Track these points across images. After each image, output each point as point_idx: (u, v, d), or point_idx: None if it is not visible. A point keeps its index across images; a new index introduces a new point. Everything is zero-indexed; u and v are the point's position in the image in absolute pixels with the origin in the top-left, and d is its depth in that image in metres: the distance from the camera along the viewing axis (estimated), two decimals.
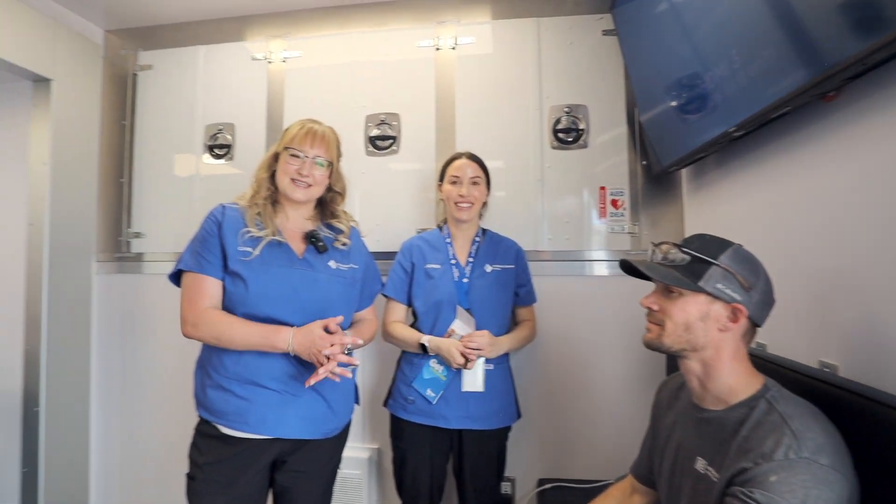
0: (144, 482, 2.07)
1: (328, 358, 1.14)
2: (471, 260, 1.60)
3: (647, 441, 1.08)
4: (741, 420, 0.77)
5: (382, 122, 1.96)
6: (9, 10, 1.74)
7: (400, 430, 1.56)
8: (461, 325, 1.53)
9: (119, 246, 2.13)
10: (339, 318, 1.22)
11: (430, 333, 1.54)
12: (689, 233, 1.75)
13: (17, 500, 1.86)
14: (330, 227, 1.37)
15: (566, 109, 1.87)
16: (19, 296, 1.89)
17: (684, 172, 1.78)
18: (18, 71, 1.82)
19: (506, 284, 1.60)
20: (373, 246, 1.88)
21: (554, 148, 1.87)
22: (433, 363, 1.52)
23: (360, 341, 1.26)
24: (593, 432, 1.80)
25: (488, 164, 1.62)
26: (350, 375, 1.23)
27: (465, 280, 1.57)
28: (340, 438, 1.36)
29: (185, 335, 1.20)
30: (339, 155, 1.37)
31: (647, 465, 1.05)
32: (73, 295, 2.01)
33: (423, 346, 1.51)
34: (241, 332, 1.18)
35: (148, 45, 2.21)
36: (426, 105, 1.94)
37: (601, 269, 1.84)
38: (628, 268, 0.92)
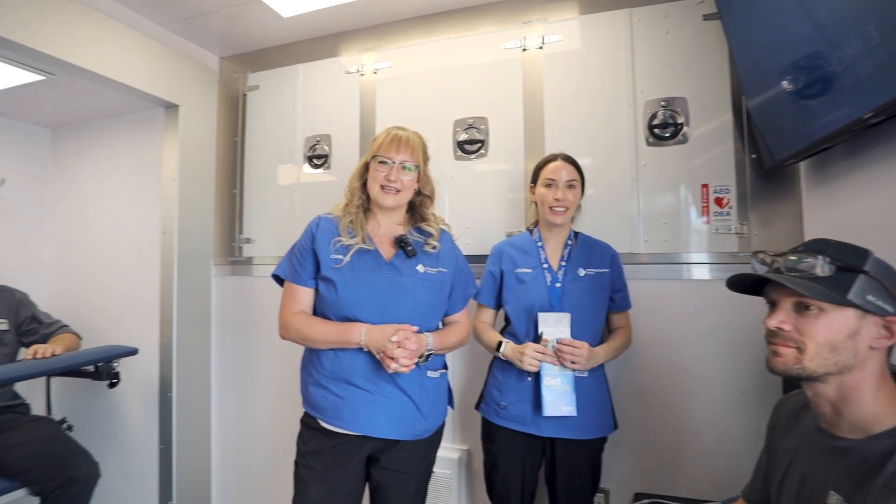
0: (256, 460, 2.27)
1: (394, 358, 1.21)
2: (563, 264, 1.55)
3: (762, 464, 0.98)
4: (888, 452, 0.68)
5: (470, 126, 1.98)
6: (145, 47, 2.00)
7: (491, 435, 1.55)
8: (552, 328, 1.46)
9: (232, 251, 2.36)
10: (414, 328, 1.28)
11: (524, 338, 1.51)
12: (809, 234, 1.58)
13: (157, 470, 2.13)
14: (420, 230, 1.40)
15: (662, 103, 1.76)
16: (155, 295, 2.17)
17: (803, 165, 1.59)
18: (153, 100, 2.09)
19: (600, 289, 1.54)
20: (462, 249, 1.92)
21: (650, 144, 1.77)
22: (548, 380, 1.43)
23: (429, 345, 1.29)
24: (695, 447, 1.68)
25: (578, 162, 1.58)
26: (404, 370, 1.23)
27: (558, 285, 1.52)
28: (433, 441, 1.39)
29: (281, 338, 1.34)
30: (426, 158, 1.39)
31: (761, 490, 0.96)
32: (196, 295, 2.25)
33: (499, 347, 1.51)
34: (319, 331, 1.29)
35: (255, 67, 2.41)
36: (514, 107, 1.93)
37: (702, 273, 1.70)
38: (739, 282, 0.83)
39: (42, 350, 1.84)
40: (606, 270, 1.55)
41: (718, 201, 1.70)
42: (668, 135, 1.75)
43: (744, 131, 1.67)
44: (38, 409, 2.06)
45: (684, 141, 1.73)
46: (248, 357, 2.32)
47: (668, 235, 1.74)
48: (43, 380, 2.05)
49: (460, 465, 1.91)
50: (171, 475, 2.10)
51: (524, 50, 1.93)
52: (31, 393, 2.09)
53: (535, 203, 1.60)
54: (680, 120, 1.73)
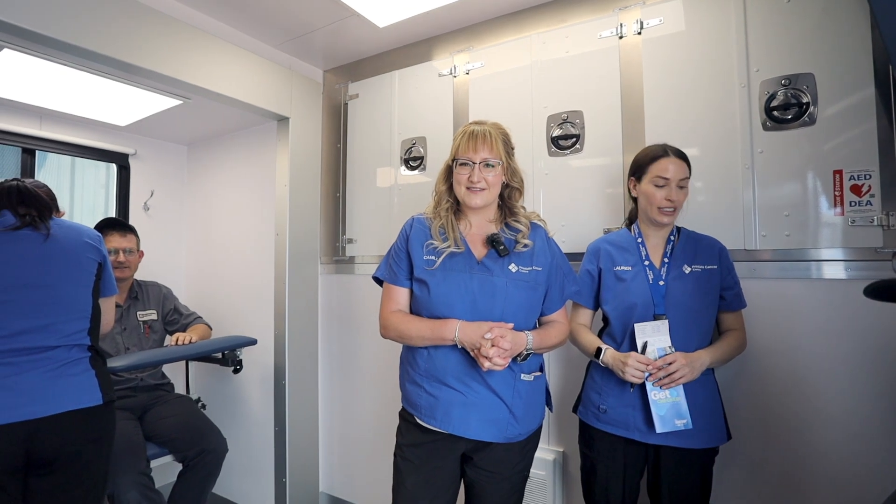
0: (358, 445, 2.41)
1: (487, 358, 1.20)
2: (666, 261, 1.45)
3: None
4: None
5: (565, 121, 1.93)
6: (260, 68, 2.21)
7: (590, 439, 1.50)
8: (652, 337, 1.37)
9: (336, 251, 2.53)
10: (509, 325, 1.26)
11: (623, 339, 1.44)
12: None
13: (272, 449, 2.35)
14: (510, 227, 1.38)
15: (783, 82, 1.57)
16: (270, 291, 2.39)
17: None
18: (268, 114, 2.30)
19: (708, 287, 1.42)
20: (561, 247, 1.88)
21: (767, 129, 1.59)
22: (654, 394, 1.35)
23: (528, 344, 1.26)
24: (819, 471, 1.48)
25: (688, 156, 1.46)
26: (498, 368, 1.21)
27: (661, 283, 1.42)
28: (528, 444, 1.37)
29: (382, 337, 1.39)
30: (509, 150, 1.36)
31: None
32: (305, 292, 2.45)
33: (598, 353, 1.44)
34: (415, 328, 1.31)
35: (355, 77, 2.56)
36: (611, 98, 1.84)
37: (836, 271, 1.49)
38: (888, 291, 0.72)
39: (182, 337, 2.12)
40: (714, 267, 1.43)
41: (856, 189, 1.48)
42: (790, 117, 1.56)
43: (892, 107, 1.44)
44: (179, 388, 2.38)
45: (811, 122, 1.54)
46: (352, 350, 2.47)
47: (790, 229, 1.56)
48: (183, 363, 2.36)
49: (555, 468, 1.87)
50: (285, 454, 2.31)
51: (621, 37, 1.84)
52: (174, 374, 2.41)
53: (635, 198, 1.52)
54: (805, 99, 1.54)
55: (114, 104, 2.23)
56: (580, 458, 1.56)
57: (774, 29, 1.59)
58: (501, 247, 1.31)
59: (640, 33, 1.80)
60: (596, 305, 1.56)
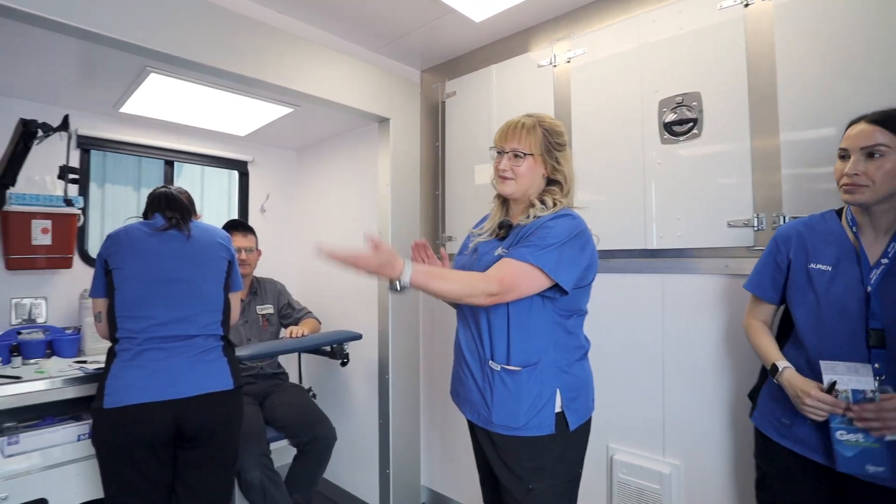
0: (460, 444, 2.42)
1: None
2: (884, 262, 1.13)
3: None
4: None
5: (679, 105, 1.77)
6: (361, 72, 2.29)
7: (768, 453, 1.30)
8: (845, 377, 1.12)
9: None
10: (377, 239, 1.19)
11: (817, 353, 1.18)
12: None
13: (377, 442, 2.44)
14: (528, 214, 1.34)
15: None
16: (374, 288, 2.48)
17: None
18: (369, 116, 2.39)
19: None
20: (675, 242, 1.74)
21: None
22: (841, 434, 1.11)
23: (403, 273, 1.15)
24: None
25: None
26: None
27: (874, 288, 1.12)
28: (522, 450, 1.25)
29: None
30: (549, 144, 1.30)
31: None
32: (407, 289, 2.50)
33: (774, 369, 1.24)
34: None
35: (452, 75, 2.57)
36: (734, 75, 1.65)
37: None
38: None
39: (296, 331, 2.27)
40: None
41: None
42: None
43: None
44: (292, 378, 2.55)
45: None
46: (451, 348, 2.49)
47: None
48: (296, 354, 2.53)
49: (672, 482, 1.73)
50: (388, 446, 2.38)
51: (747, 5, 1.64)
52: (287, 365, 2.59)
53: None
54: None
55: (235, 116, 2.45)
56: (755, 470, 1.38)
57: None
58: (501, 231, 1.34)
59: None
60: (781, 300, 1.33)
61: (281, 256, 3.07)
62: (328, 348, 2.28)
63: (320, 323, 2.50)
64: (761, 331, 1.34)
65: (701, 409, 1.70)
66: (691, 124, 1.75)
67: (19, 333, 2.02)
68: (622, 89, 1.92)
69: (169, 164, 2.75)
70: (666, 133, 1.80)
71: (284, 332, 2.36)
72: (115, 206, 2.78)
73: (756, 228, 1.59)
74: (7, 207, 1.97)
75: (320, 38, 2.24)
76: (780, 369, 1.22)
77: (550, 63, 2.15)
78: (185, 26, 1.72)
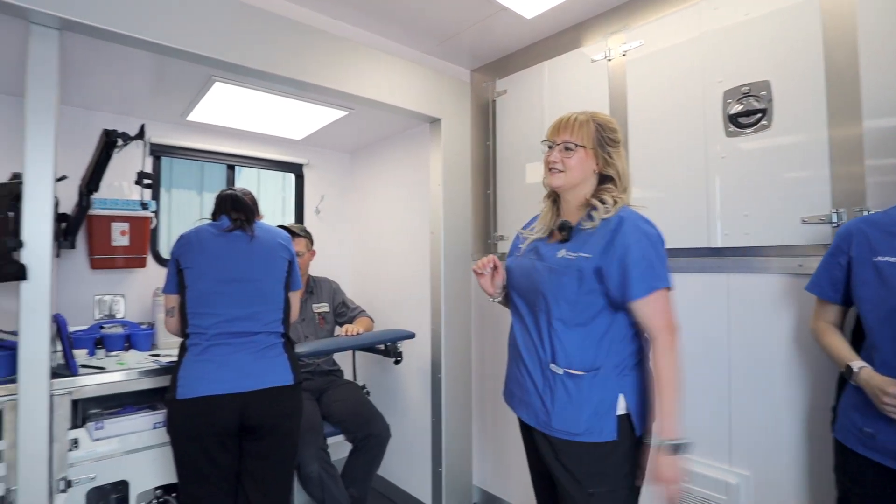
0: (511, 446, 2.41)
1: None
2: None
3: None
4: None
5: (746, 95, 1.68)
6: (413, 74, 2.32)
7: (850, 467, 1.22)
8: None
9: (488, 248, 2.55)
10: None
11: (892, 353, 1.12)
12: None
13: (429, 440, 2.46)
14: (591, 213, 1.28)
15: None
16: (426, 288, 2.50)
17: None
18: (421, 117, 2.41)
19: None
20: (741, 239, 1.66)
21: None
22: None
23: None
24: None
25: None
26: None
27: None
28: (584, 454, 1.23)
29: None
30: (602, 139, 1.29)
31: None
32: (459, 289, 2.51)
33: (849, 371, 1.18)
34: None
35: (502, 73, 2.55)
36: (809, 60, 1.54)
37: None
38: None
39: (351, 329, 2.33)
40: None
41: None
42: None
43: None
44: (346, 375, 2.62)
45: None
46: (503, 348, 2.47)
47: None
48: (350, 352, 2.59)
49: (738, 494, 1.64)
50: (441, 445, 2.39)
51: None
52: (341, 362, 2.66)
53: None
54: None
55: (292, 121, 2.54)
56: (836, 487, 1.29)
57: None
58: (563, 232, 1.29)
59: None
60: (844, 299, 1.28)
61: (335, 256, 3.16)
62: (382, 346, 2.32)
63: (373, 321, 2.54)
64: (830, 331, 1.29)
65: (772, 416, 1.60)
66: (759, 115, 1.65)
67: (102, 328, 2.18)
68: (682, 81, 1.84)
69: (230, 168, 2.88)
70: (731, 125, 1.71)
71: (340, 330, 2.42)
72: (180, 209, 2.94)
73: (834, 224, 1.48)
74: (91, 211, 2.14)
75: (373, 42, 2.28)
76: (855, 370, 1.16)
77: (605, 57, 2.10)
78: (247, 35, 1.80)
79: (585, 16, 2.18)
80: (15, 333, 1.67)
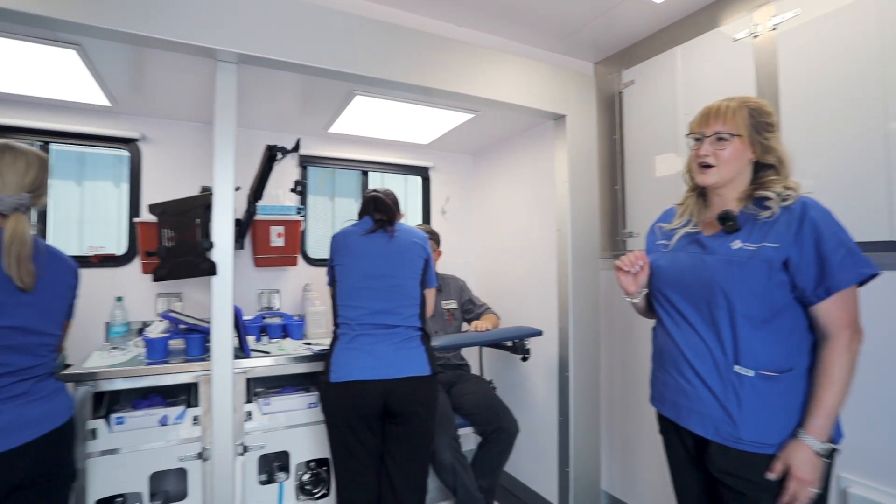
0: (641, 445, 2.30)
1: None
2: None
3: None
4: None
5: None
6: (537, 72, 2.32)
7: None
8: None
9: (616, 245, 2.46)
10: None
11: None
12: None
13: (556, 439, 2.44)
14: (759, 203, 1.18)
15: None
16: (553, 285, 2.48)
17: None
18: (545, 115, 2.41)
19: None
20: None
21: None
22: None
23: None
24: None
25: None
26: None
27: None
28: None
29: None
30: (758, 125, 1.18)
31: None
32: (587, 287, 2.45)
33: None
34: None
35: (628, 63, 2.45)
36: None
37: None
38: None
39: (480, 325, 2.40)
40: None
41: None
42: None
43: None
44: (473, 370, 2.69)
45: None
46: (635, 349, 2.37)
47: None
48: (477, 347, 2.67)
49: None
50: (568, 445, 2.36)
51: None
52: (469, 357, 2.75)
53: None
54: None
55: (419, 126, 2.69)
56: None
57: None
58: (729, 222, 1.18)
59: None
60: None
61: (462, 255, 3.27)
62: (510, 343, 2.36)
63: (499, 318, 2.59)
64: None
65: None
66: None
67: (264, 318, 2.51)
68: (851, 54, 1.62)
69: (364, 174, 3.14)
70: None
71: (469, 327, 2.51)
72: (315, 213, 3.24)
73: None
74: (256, 217, 2.47)
75: (496, 44, 2.34)
76: None
77: (750, 34, 1.92)
78: (383, 50, 1.95)
79: None
80: (204, 321, 2.01)
